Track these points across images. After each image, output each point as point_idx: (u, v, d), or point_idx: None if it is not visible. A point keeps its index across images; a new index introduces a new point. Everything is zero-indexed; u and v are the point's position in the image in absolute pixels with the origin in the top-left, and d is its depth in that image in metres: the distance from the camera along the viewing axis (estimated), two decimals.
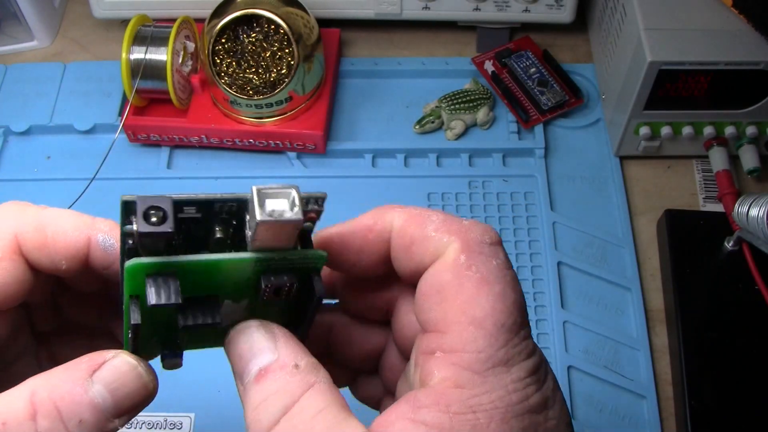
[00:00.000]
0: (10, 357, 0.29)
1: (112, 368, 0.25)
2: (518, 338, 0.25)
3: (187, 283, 0.24)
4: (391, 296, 0.30)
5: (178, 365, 0.28)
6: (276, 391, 0.24)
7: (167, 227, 0.23)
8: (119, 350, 0.26)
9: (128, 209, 0.23)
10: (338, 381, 0.33)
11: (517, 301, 0.26)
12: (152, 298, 0.23)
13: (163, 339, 0.27)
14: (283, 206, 0.24)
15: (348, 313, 0.32)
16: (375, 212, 0.28)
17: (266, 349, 0.25)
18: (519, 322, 0.25)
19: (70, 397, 0.24)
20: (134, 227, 0.23)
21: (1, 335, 0.28)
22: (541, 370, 0.26)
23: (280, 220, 0.24)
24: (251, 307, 0.27)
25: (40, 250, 0.27)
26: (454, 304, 0.25)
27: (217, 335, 0.28)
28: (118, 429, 0.25)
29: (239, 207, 0.25)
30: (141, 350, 0.27)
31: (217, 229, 0.25)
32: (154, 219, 0.23)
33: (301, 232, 0.26)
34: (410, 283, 0.28)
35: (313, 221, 0.26)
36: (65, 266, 0.27)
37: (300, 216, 0.24)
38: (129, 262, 0.24)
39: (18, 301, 0.27)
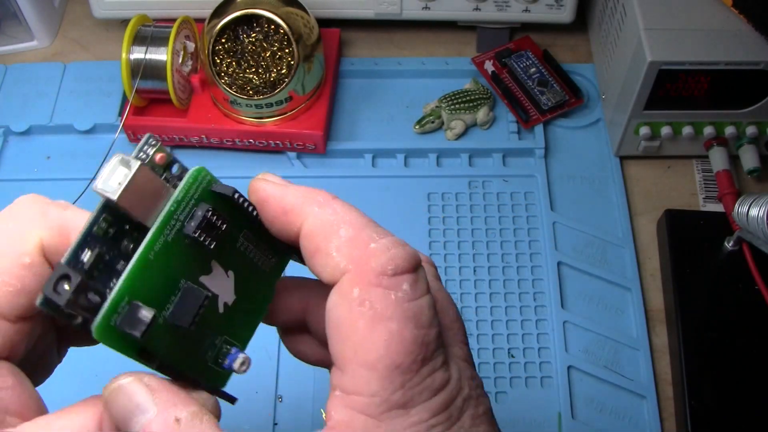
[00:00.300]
0: (41, 350, 0.29)
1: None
2: (419, 377, 0.24)
3: (147, 298, 0.24)
4: None
5: (248, 362, 0.27)
6: None
7: (77, 278, 0.23)
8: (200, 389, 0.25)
9: (50, 305, 0.23)
10: (326, 360, 0.32)
11: (417, 337, 0.24)
12: (137, 333, 0.23)
13: (213, 355, 0.27)
14: (122, 173, 0.24)
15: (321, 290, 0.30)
16: (299, 196, 0.26)
17: (143, 405, 0.24)
18: (420, 359, 0.24)
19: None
20: (69, 311, 0.23)
21: (38, 333, 0.28)
22: (453, 406, 0.24)
23: (130, 183, 0.24)
24: (225, 263, 0.27)
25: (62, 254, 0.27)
26: (348, 344, 0.24)
27: (244, 307, 0.28)
28: None
29: (111, 213, 0.25)
30: (210, 378, 0.27)
31: (124, 244, 0.25)
32: (66, 287, 0.23)
33: (175, 175, 0.26)
34: None
35: (166, 158, 0.25)
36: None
37: (138, 164, 0.24)
38: (95, 337, 0.24)
39: None
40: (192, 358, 0.26)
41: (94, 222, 0.24)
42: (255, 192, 0.27)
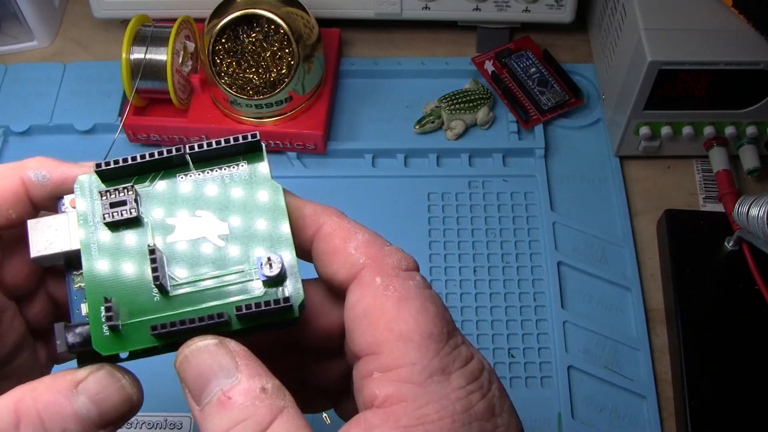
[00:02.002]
0: (3, 354, 0.29)
1: (96, 380, 0.25)
2: (449, 347, 0.26)
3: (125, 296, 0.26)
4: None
5: (273, 258, 0.26)
6: (244, 418, 0.23)
7: (59, 325, 0.26)
8: (104, 363, 0.26)
9: (69, 351, 0.26)
10: (323, 406, 0.33)
11: (438, 313, 0.26)
12: (114, 322, 0.25)
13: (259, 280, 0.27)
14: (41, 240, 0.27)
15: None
16: (317, 207, 0.29)
17: (227, 369, 0.24)
18: (446, 332, 0.26)
19: (54, 408, 0.24)
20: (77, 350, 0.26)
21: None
22: (483, 377, 0.26)
23: (32, 239, 0.27)
24: (185, 211, 0.27)
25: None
26: (379, 325, 0.26)
27: (254, 220, 0.28)
28: None
29: (69, 265, 0.27)
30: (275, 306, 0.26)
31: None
32: (67, 335, 0.26)
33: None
34: (327, 286, 0.29)
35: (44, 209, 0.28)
36: (14, 215, 0.28)
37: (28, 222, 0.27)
38: (99, 351, 0.25)
39: None
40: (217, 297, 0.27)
41: (70, 284, 0.27)
42: None
